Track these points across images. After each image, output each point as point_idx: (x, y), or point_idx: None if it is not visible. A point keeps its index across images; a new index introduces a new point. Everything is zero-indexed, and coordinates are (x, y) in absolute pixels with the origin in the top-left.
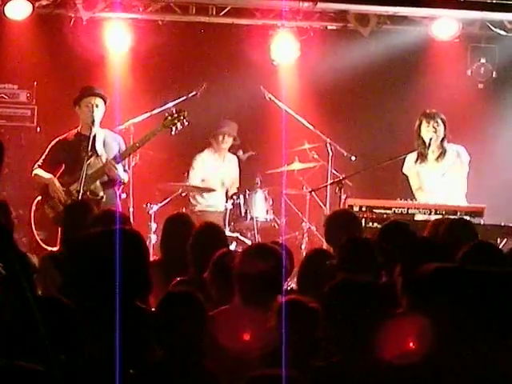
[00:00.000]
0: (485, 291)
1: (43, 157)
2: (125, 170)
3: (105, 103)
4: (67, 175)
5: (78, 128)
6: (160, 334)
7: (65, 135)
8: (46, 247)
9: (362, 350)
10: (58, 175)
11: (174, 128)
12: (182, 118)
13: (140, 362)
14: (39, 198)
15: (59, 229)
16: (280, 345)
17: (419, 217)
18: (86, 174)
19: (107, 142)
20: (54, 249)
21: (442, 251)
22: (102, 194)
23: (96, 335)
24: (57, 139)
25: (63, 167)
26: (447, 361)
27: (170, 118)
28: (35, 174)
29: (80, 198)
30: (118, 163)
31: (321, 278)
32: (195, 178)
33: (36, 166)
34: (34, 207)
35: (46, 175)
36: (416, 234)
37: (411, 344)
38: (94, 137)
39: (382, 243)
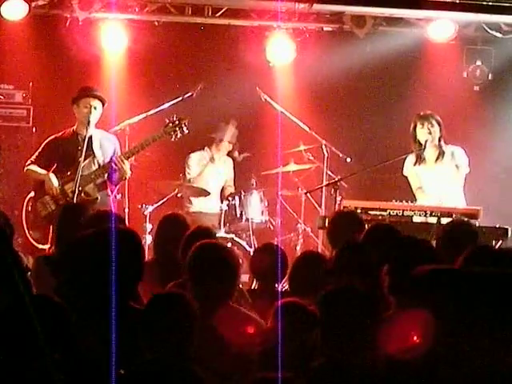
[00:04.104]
0: (481, 292)
1: (37, 153)
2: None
3: (103, 105)
4: (60, 174)
5: (74, 127)
6: (145, 336)
7: (60, 133)
8: (40, 246)
9: (355, 351)
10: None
11: (174, 135)
12: (183, 125)
13: (130, 363)
14: (32, 193)
15: (51, 228)
16: (277, 346)
17: (416, 219)
18: (82, 175)
19: (102, 143)
20: (46, 246)
21: (430, 251)
22: (97, 195)
23: (90, 335)
24: (52, 137)
25: (55, 165)
26: (445, 356)
27: (171, 125)
28: (29, 170)
29: (75, 198)
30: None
31: (313, 281)
32: (192, 176)
33: (29, 161)
34: (25, 205)
35: (42, 171)
36: (399, 234)
37: (415, 338)
38: (91, 138)
39: (368, 245)
